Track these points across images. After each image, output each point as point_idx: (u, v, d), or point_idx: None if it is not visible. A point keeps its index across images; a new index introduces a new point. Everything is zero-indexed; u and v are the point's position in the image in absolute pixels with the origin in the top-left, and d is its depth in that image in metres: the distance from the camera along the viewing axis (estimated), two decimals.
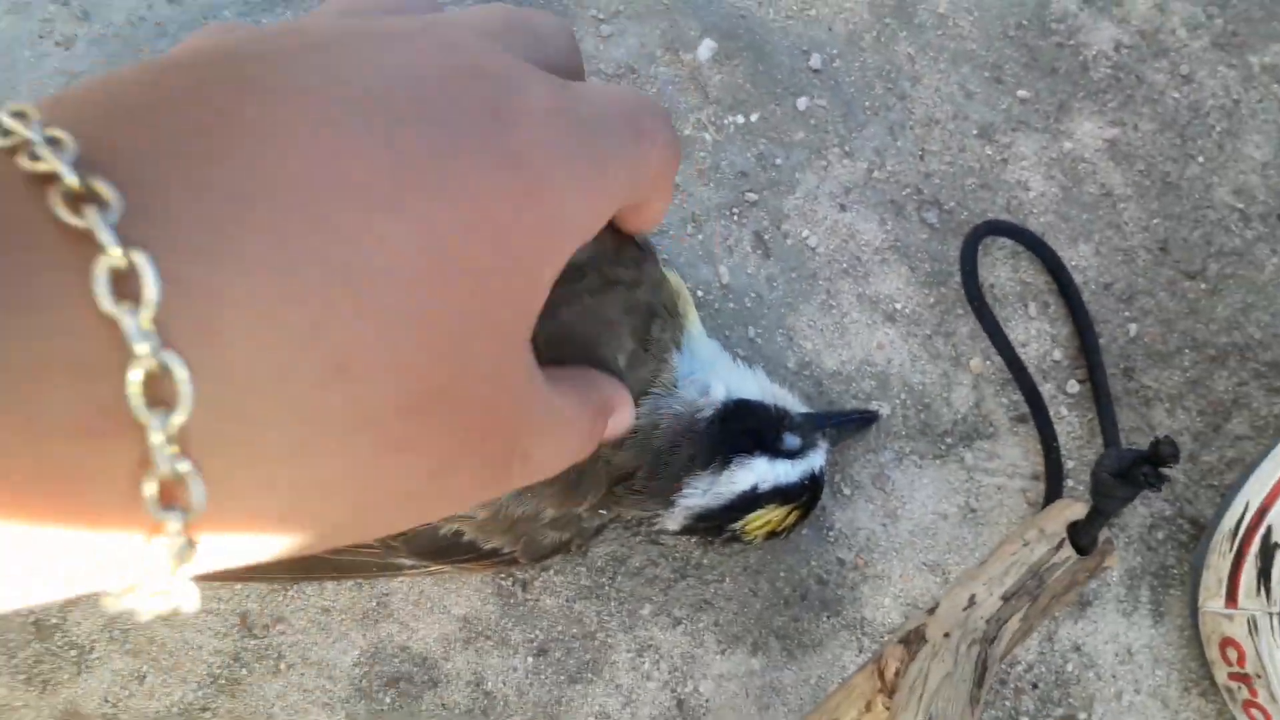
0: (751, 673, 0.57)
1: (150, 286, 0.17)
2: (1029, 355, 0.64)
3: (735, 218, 0.63)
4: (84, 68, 0.59)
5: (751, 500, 0.50)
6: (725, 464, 0.49)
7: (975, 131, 0.67)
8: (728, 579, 0.58)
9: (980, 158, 0.67)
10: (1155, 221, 0.67)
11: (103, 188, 0.17)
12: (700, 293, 0.62)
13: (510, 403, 0.24)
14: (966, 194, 0.66)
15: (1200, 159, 0.68)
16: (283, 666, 0.54)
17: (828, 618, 0.58)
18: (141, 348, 0.17)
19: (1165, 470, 0.53)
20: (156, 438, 0.17)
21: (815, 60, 0.66)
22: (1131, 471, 0.54)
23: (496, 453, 0.25)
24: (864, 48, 0.67)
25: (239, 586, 0.54)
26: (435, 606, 0.55)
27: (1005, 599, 0.55)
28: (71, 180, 0.17)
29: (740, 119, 0.65)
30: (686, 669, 0.56)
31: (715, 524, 0.50)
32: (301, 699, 0.54)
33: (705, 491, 0.49)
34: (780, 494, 0.51)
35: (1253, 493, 0.61)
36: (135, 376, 0.17)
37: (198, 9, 0.62)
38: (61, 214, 0.17)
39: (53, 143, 0.18)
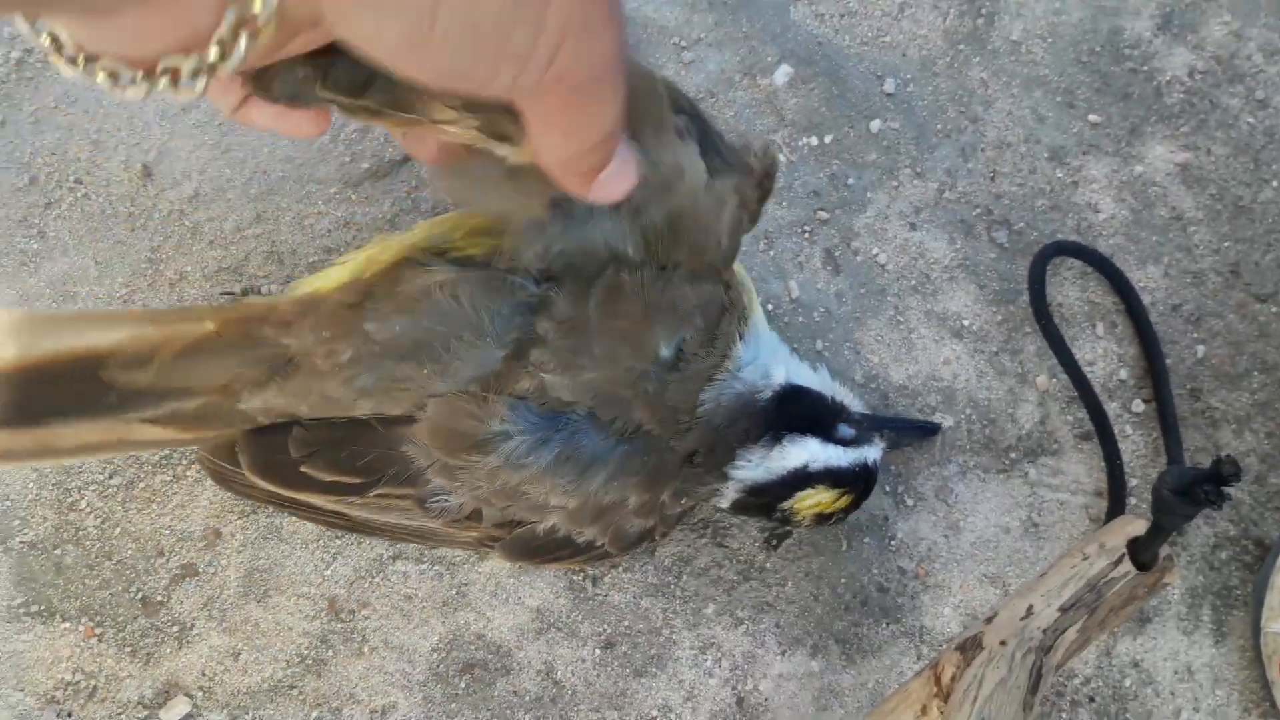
0: (810, 674, 0.59)
1: None
2: (1095, 374, 0.65)
3: (806, 235, 0.66)
4: None
5: (803, 478, 0.52)
6: (778, 440, 0.51)
7: (1046, 154, 0.68)
8: (790, 583, 0.60)
9: (1051, 180, 0.68)
10: (1226, 245, 0.68)
11: None
12: (770, 306, 0.64)
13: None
14: (1036, 215, 0.67)
15: (1275, 183, 0.69)
16: (366, 649, 0.58)
17: (887, 624, 0.60)
18: None
19: (1226, 489, 0.54)
20: None
21: (889, 84, 0.68)
22: (1193, 489, 0.55)
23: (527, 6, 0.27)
24: (937, 73, 0.69)
25: (328, 571, 0.58)
26: (510, 598, 0.58)
27: (1063, 610, 0.56)
28: None
29: (814, 140, 0.67)
30: (747, 668, 0.59)
31: (766, 501, 0.52)
32: (382, 681, 0.57)
33: (758, 464, 0.51)
34: (831, 476, 0.53)
35: None
36: None
37: None
38: None
39: None
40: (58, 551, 0.57)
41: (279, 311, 0.46)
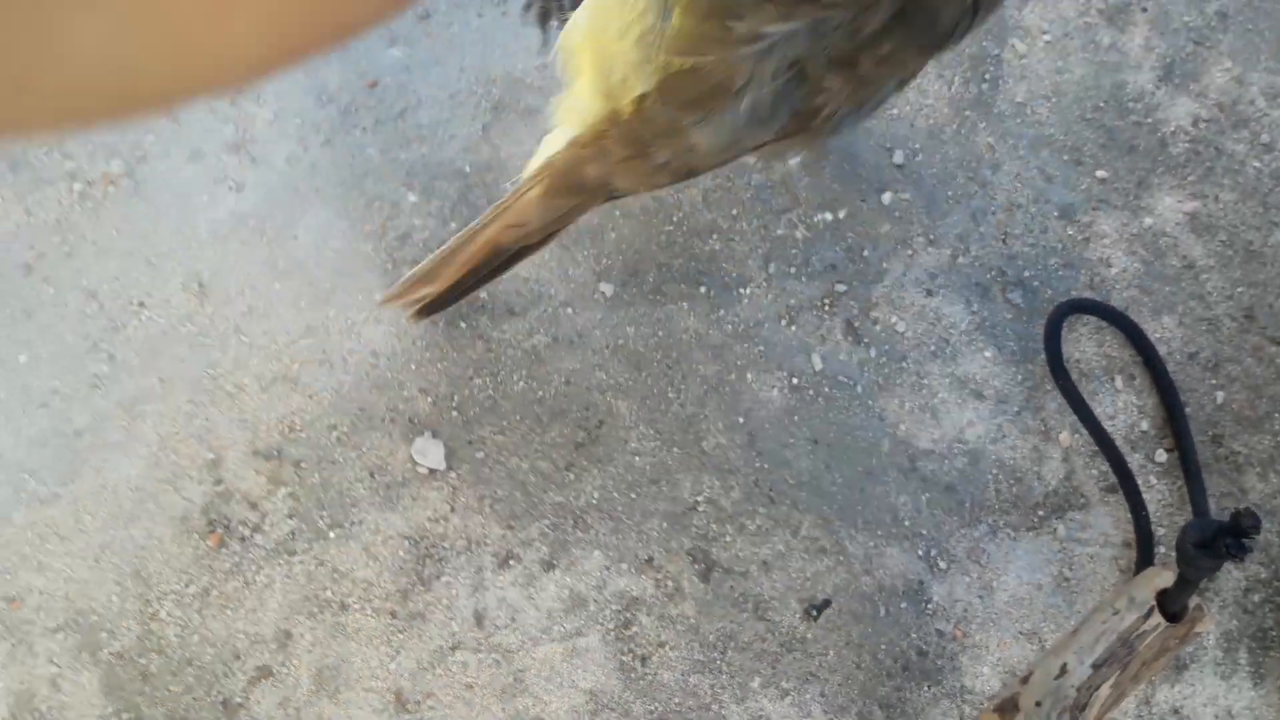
0: None
1: None
2: (1117, 427, 0.67)
3: (826, 308, 0.68)
4: (249, 209, 0.67)
5: None
6: None
7: (1056, 213, 0.70)
8: (832, 652, 0.62)
9: (1062, 238, 0.70)
10: (1239, 290, 0.69)
11: None
12: (795, 380, 0.67)
13: None
14: (1050, 273, 0.69)
15: None
16: None
17: (929, 687, 0.62)
18: None
19: (1247, 541, 0.56)
20: None
21: (898, 156, 0.71)
22: (1215, 542, 0.56)
23: None
24: (945, 140, 0.72)
25: (392, 664, 0.62)
26: (565, 681, 0.62)
27: (1095, 667, 0.58)
28: None
29: (829, 216, 0.70)
30: None
31: None
32: None
33: None
34: None
35: None
36: None
37: (346, 149, 0.70)
38: None
39: None
40: (143, 660, 0.61)
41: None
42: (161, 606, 0.62)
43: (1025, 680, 0.58)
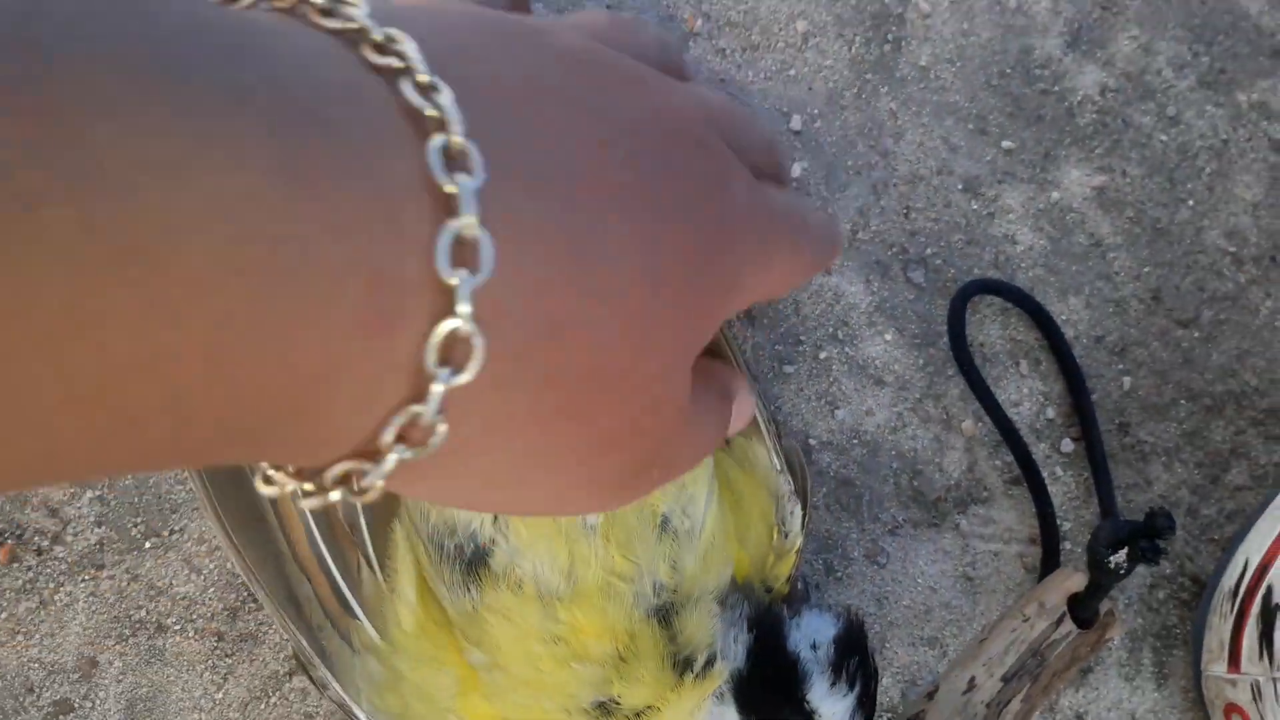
0: None
1: (477, 164, 0.21)
2: (1022, 415, 0.62)
3: None
4: None
5: None
6: None
7: (960, 186, 0.66)
8: None
9: (966, 213, 0.65)
10: (1146, 270, 0.66)
11: (444, 95, 0.21)
12: None
13: (671, 413, 0.28)
14: (953, 251, 0.65)
15: (1190, 202, 0.67)
16: None
17: None
18: (465, 218, 0.20)
19: (1162, 543, 0.52)
20: (460, 309, 0.21)
21: (796, 121, 0.65)
22: (1128, 545, 0.53)
23: (645, 451, 0.28)
24: (845, 105, 0.66)
25: (219, 694, 0.53)
26: None
27: (1005, 680, 0.54)
28: (424, 76, 0.21)
29: None
30: None
31: None
32: None
33: None
34: None
35: (1252, 549, 0.60)
36: (444, 243, 0.20)
37: None
38: (410, 97, 0.20)
39: (390, 40, 0.21)
40: None
41: None
42: None
43: (930, 695, 0.54)
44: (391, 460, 0.22)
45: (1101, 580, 0.55)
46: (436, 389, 0.21)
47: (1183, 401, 0.64)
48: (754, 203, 0.29)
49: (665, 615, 0.43)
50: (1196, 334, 0.65)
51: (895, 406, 0.62)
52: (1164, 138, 0.68)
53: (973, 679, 0.53)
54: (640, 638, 0.42)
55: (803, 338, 0.62)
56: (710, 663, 0.44)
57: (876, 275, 0.64)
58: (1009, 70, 0.68)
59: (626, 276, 0.24)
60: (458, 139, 0.20)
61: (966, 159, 0.66)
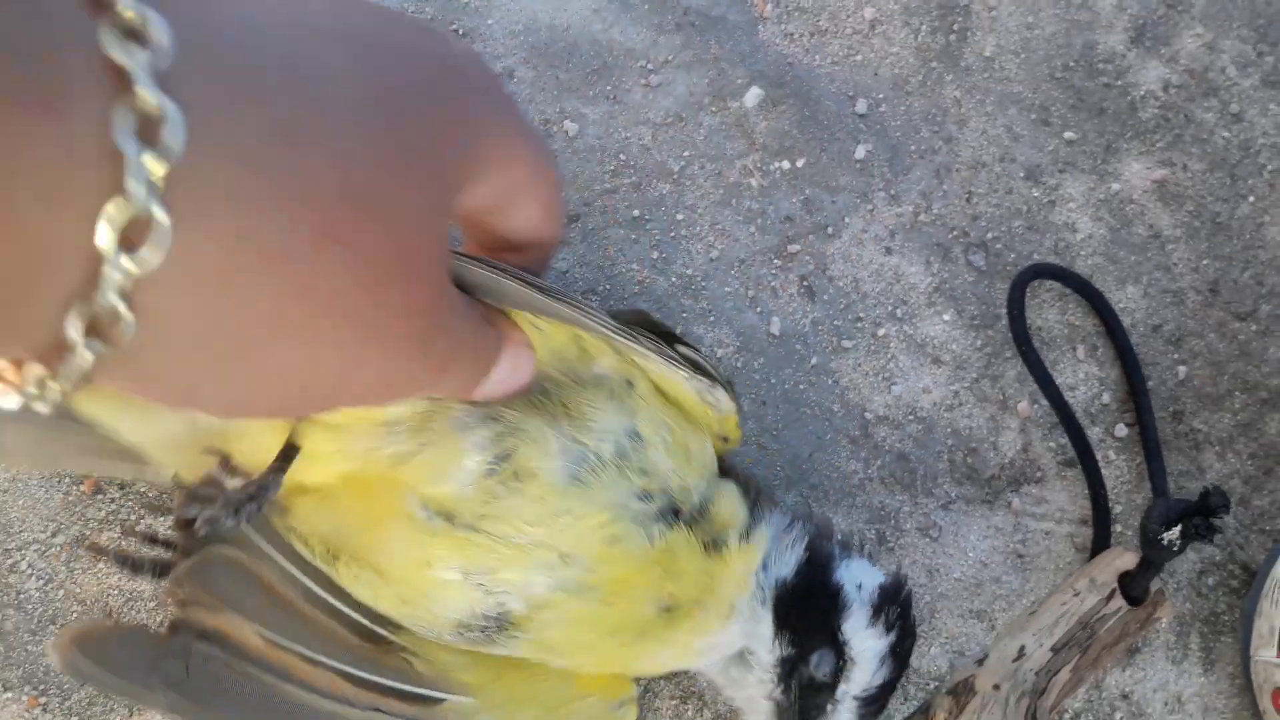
0: None
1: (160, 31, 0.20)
2: (1077, 398, 0.63)
3: (780, 263, 0.64)
4: None
5: None
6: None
7: (1022, 174, 0.67)
8: None
9: (1027, 200, 0.66)
10: (1205, 263, 0.67)
11: None
12: (743, 339, 0.62)
13: (437, 269, 0.27)
14: (1014, 236, 0.66)
15: (1251, 198, 0.68)
16: None
17: None
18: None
19: (1216, 521, 0.53)
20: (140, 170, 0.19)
21: (861, 105, 0.67)
22: (1182, 523, 0.53)
23: (424, 301, 0.27)
24: (910, 92, 0.67)
25: None
26: None
27: (1055, 650, 0.55)
28: None
29: (786, 165, 0.65)
30: (731, 716, 0.57)
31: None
32: None
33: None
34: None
35: None
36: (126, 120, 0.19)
37: None
38: None
39: None
40: None
41: None
42: (23, 557, 0.55)
43: (980, 662, 0.55)
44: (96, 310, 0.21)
45: (1153, 558, 0.55)
46: (141, 167, 0.20)
47: (1238, 393, 0.65)
48: (483, 68, 0.30)
49: (676, 512, 0.44)
50: (1254, 327, 0.66)
51: (952, 385, 0.63)
52: (1226, 134, 0.69)
53: (1023, 647, 0.54)
54: (673, 546, 0.43)
55: (861, 315, 0.63)
56: (746, 535, 0.45)
57: (937, 257, 0.65)
58: (1072, 64, 0.69)
59: (350, 96, 0.24)
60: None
61: (1029, 147, 0.67)
